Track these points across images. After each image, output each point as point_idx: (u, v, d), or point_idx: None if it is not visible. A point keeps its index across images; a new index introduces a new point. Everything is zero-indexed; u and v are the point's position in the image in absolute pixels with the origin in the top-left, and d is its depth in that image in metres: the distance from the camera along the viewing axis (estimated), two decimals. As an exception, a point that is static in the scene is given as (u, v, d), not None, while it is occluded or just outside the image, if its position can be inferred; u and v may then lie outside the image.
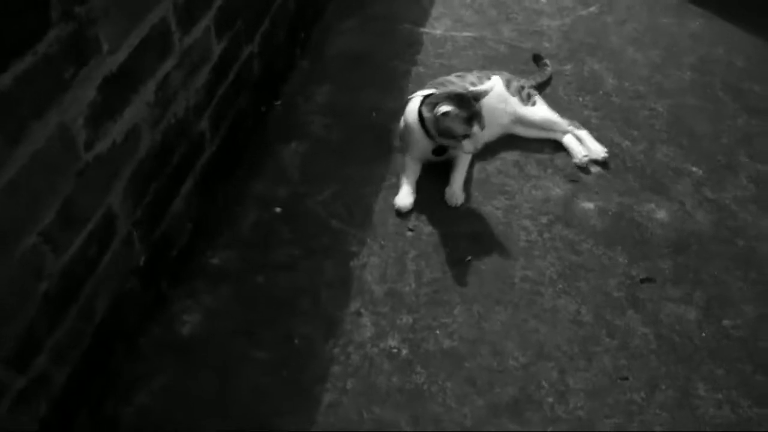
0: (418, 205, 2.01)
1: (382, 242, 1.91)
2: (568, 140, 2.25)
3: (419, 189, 2.05)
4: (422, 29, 2.81)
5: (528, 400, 1.56)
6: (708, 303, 1.82)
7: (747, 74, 2.73)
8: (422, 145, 2.05)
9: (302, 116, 2.30)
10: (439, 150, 2.04)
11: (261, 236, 1.88)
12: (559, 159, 2.23)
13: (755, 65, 2.79)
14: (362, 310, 1.73)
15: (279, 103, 2.32)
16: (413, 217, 1.99)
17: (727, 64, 2.80)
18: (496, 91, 2.21)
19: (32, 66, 1.02)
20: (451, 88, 2.10)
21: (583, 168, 2.19)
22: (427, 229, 1.96)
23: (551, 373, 1.62)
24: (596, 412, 1.55)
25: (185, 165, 1.66)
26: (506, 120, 2.24)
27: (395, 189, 2.04)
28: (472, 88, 2.01)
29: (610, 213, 2.05)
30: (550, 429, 1.51)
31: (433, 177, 2.08)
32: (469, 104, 1.88)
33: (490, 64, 2.58)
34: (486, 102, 2.12)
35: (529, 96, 2.29)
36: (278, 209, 1.96)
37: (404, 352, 1.64)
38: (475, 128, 1.87)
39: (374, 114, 2.34)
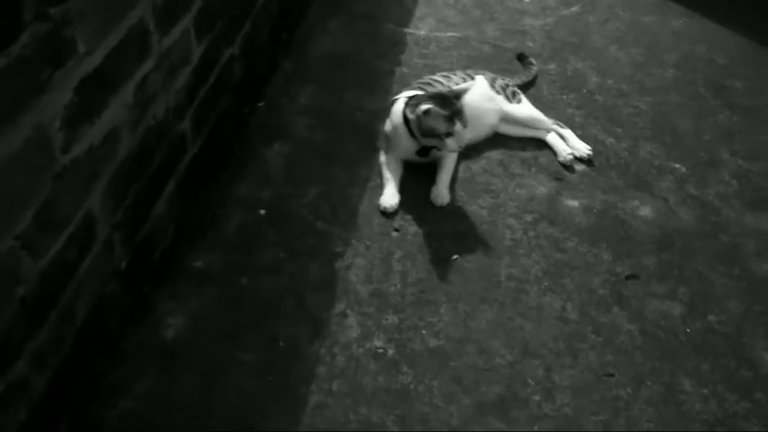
0: (404, 205, 2.01)
1: (368, 243, 1.90)
2: (552, 138, 2.26)
3: (404, 189, 2.05)
4: (406, 30, 2.81)
5: (514, 398, 1.56)
6: (692, 299, 1.82)
7: (729, 71, 2.76)
8: (407, 145, 2.04)
9: (286, 117, 2.29)
10: (423, 151, 2.04)
11: (245, 238, 1.87)
12: (543, 157, 2.23)
13: (737, 62, 2.82)
14: (348, 311, 1.72)
15: (262, 104, 2.31)
16: (398, 217, 1.99)
17: (709, 61, 2.82)
18: (481, 90, 2.23)
19: (6, 67, 1.01)
20: (434, 89, 2.11)
21: (568, 166, 2.20)
22: (413, 229, 1.95)
23: (537, 370, 1.62)
24: (582, 409, 1.55)
25: (166, 167, 1.64)
26: (493, 119, 2.25)
27: (380, 190, 2.04)
28: (452, 87, 2.01)
29: (594, 210, 2.06)
30: (536, 427, 1.51)
31: (419, 177, 2.08)
32: (450, 103, 1.88)
33: (474, 64, 2.59)
34: (473, 102, 2.13)
35: (514, 94, 2.30)
36: (262, 211, 1.95)
37: (390, 352, 1.64)
38: (457, 126, 1.87)
39: (358, 114, 2.34)
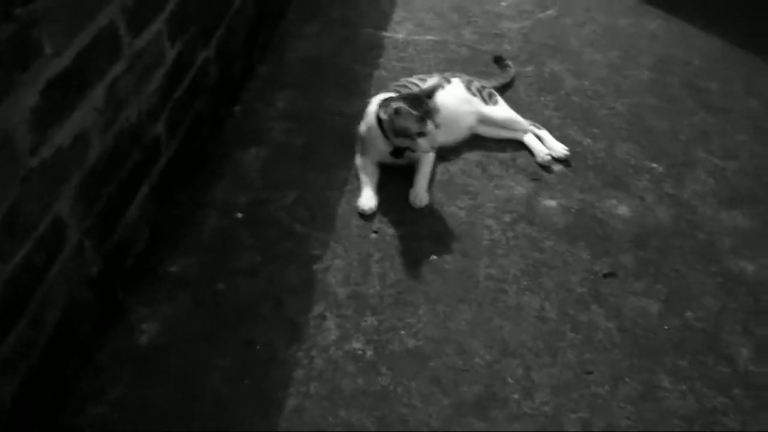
0: (382, 207, 2.01)
1: (346, 245, 1.89)
2: (530, 140, 2.27)
3: (383, 192, 2.04)
4: (384, 33, 2.82)
5: (493, 397, 1.55)
6: (669, 296, 1.83)
7: (704, 73, 2.79)
8: (381, 147, 2.04)
9: (262, 122, 2.28)
10: (397, 152, 2.03)
11: (221, 243, 1.85)
12: (521, 158, 2.24)
13: (712, 64, 2.85)
14: (326, 314, 1.70)
15: (238, 108, 2.30)
16: (377, 219, 1.98)
17: (684, 63, 2.85)
18: (458, 93, 2.24)
19: (-31, 68, 0.99)
20: (408, 91, 2.11)
21: (545, 167, 2.20)
22: (391, 230, 1.95)
23: (516, 369, 1.62)
24: (562, 407, 1.55)
25: (140, 171, 1.62)
26: (471, 121, 2.25)
27: (358, 192, 2.03)
28: (423, 86, 2.01)
29: (572, 210, 2.06)
30: (516, 426, 1.50)
31: (397, 179, 2.07)
32: (422, 103, 1.89)
33: (451, 67, 2.59)
34: (450, 105, 2.14)
35: (490, 96, 2.30)
36: (239, 215, 1.93)
37: (369, 353, 1.62)
38: (429, 126, 1.87)
39: (336, 118, 2.33)
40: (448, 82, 2.25)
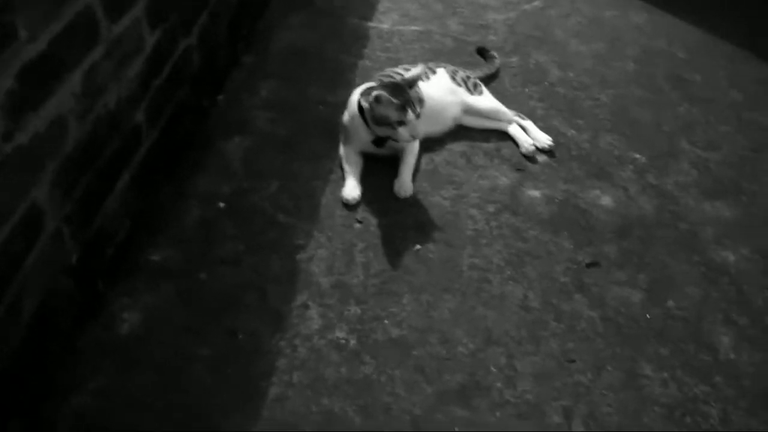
0: (367, 197, 2.00)
1: (330, 235, 1.88)
2: (514, 130, 2.27)
3: (367, 182, 2.03)
4: (369, 23, 2.80)
5: (476, 386, 1.56)
6: (652, 285, 1.84)
7: (688, 65, 2.80)
8: (362, 135, 2.03)
9: (246, 111, 2.26)
10: (379, 141, 2.02)
11: (204, 232, 1.84)
12: (505, 149, 2.24)
13: (696, 56, 2.87)
14: (309, 303, 1.70)
15: (222, 97, 2.28)
16: (361, 209, 1.97)
17: (669, 55, 2.86)
18: (443, 83, 2.23)
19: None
20: (385, 76, 2.09)
21: (530, 157, 2.21)
22: (375, 220, 1.94)
23: (499, 358, 1.62)
24: (544, 395, 1.55)
25: (120, 159, 1.60)
26: (456, 111, 2.25)
27: (343, 182, 2.02)
28: (406, 75, 2.00)
29: (555, 200, 2.07)
30: (498, 414, 1.51)
31: (381, 169, 2.06)
32: (402, 91, 1.88)
33: (436, 58, 2.58)
34: (435, 95, 2.13)
35: (475, 86, 2.30)
36: (222, 204, 1.92)
37: (352, 342, 1.62)
38: (410, 115, 1.86)
39: (321, 108, 2.32)
40: (433, 72, 2.25)
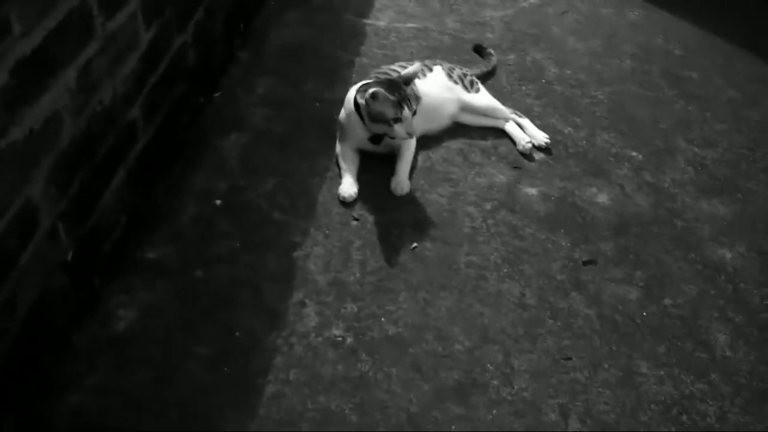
0: (363, 194, 1.99)
1: (327, 232, 1.88)
2: (511, 128, 2.26)
3: (364, 179, 2.03)
4: (366, 21, 2.79)
5: (473, 383, 1.55)
6: (648, 283, 1.84)
7: (685, 62, 2.80)
8: (359, 133, 2.03)
9: (243, 108, 2.25)
10: (375, 138, 2.02)
11: (200, 230, 1.83)
12: (502, 146, 2.24)
13: (693, 53, 2.86)
14: (306, 301, 1.69)
15: (218, 94, 2.27)
16: (358, 206, 1.97)
17: (665, 52, 2.86)
18: (440, 81, 2.23)
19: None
20: (382, 74, 2.09)
21: (526, 155, 2.20)
22: (372, 218, 1.94)
23: (496, 356, 1.62)
24: (541, 392, 1.55)
25: (115, 155, 1.60)
26: (452, 108, 2.24)
27: (339, 180, 2.01)
28: (402, 72, 1.99)
29: (552, 198, 2.06)
30: (494, 412, 1.50)
31: (378, 167, 2.06)
32: (398, 88, 1.87)
33: (433, 55, 2.57)
34: (432, 93, 2.13)
35: (472, 83, 2.29)
36: (218, 202, 1.91)
37: (349, 340, 1.62)
38: (406, 112, 1.86)
39: (317, 105, 2.31)
40: (430, 69, 2.24)
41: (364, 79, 2.16)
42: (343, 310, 1.68)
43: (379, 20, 2.81)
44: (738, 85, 2.70)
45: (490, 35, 2.80)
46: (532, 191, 2.08)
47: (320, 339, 1.61)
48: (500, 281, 1.80)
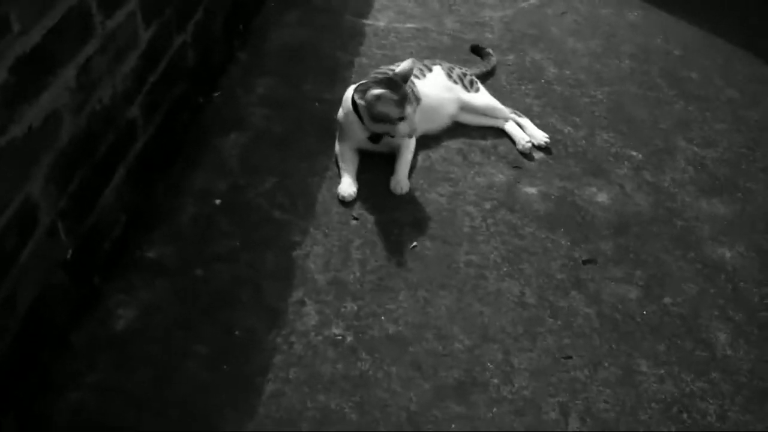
0: (363, 193, 1.99)
1: (326, 231, 1.88)
2: (511, 127, 2.26)
3: (364, 178, 2.03)
4: (365, 21, 2.79)
5: (473, 382, 1.55)
6: (648, 282, 1.84)
7: (684, 62, 2.80)
8: (358, 132, 2.03)
9: (242, 108, 2.25)
10: (375, 137, 2.02)
11: (200, 229, 1.83)
12: (502, 146, 2.24)
13: (692, 53, 2.87)
14: (306, 299, 1.69)
15: (218, 94, 2.27)
16: (357, 205, 1.97)
17: (664, 52, 2.86)
18: (439, 81, 2.23)
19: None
20: (381, 74, 2.09)
21: (526, 154, 2.20)
22: (372, 217, 1.94)
23: (496, 354, 1.62)
24: (541, 391, 1.55)
25: (115, 154, 1.60)
26: (452, 108, 2.24)
27: (339, 179, 2.01)
28: (396, 69, 1.99)
29: (552, 197, 2.06)
30: (495, 410, 1.50)
31: (378, 166, 2.06)
32: (398, 86, 1.88)
33: (433, 55, 2.57)
34: (432, 93, 2.13)
35: (471, 83, 2.30)
36: (218, 201, 1.91)
37: (349, 339, 1.62)
38: (408, 110, 1.86)
39: (317, 105, 2.31)
40: (429, 69, 2.24)
41: (363, 79, 2.16)
42: (342, 309, 1.68)
43: (378, 21, 2.81)
44: (738, 84, 2.70)
45: (490, 35, 2.81)
46: (532, 190, 2.08)
47: (320, 338, 1.61)
48: (500, 280, 1.80)
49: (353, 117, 2.00)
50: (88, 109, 1.42)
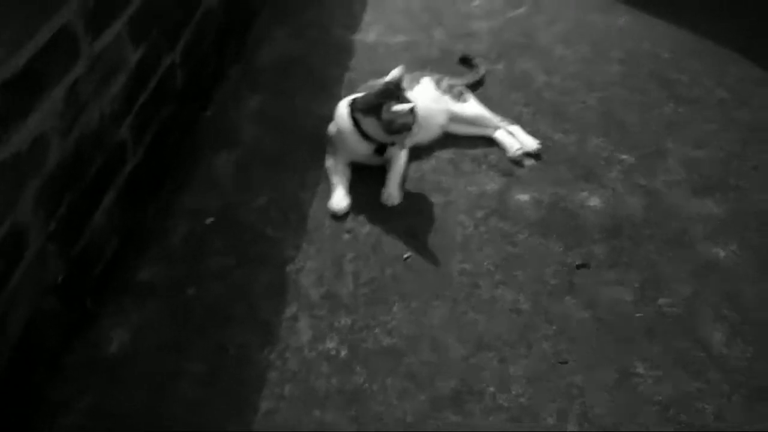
0: (355, 207, 2.00)
1: (319, 246, 1.88)
2: (501, 135, 2.27)
3: (355, 192, 2.04)
4: (354, 35, 2.82)
5: (469, 391, 1.55)
6: (643, 284, 1.84)
7: (673, 65, 2.81)
8: (358, 147, 2.04)
9: (233, 125, 2.26)
10: (381, 149, 2.03)
11: (192, 248, 1.84)
12: (492, 155, 2.24)
13: (680, 56, 2.87)
14: (299, 315, 1.69)
15: (209, 112, 2.28)
16: (350, 219, 1.97)
17: (653, 56, 2.87)
18: (428, 92, 2.24)
19: None
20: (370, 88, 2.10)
21: (517, 161, 2.21)
22: (364, 230, 1.94)
23: (492, 362, 1.61)
24: (538, 397, 1.54)
25: (105, 176, 1.61)
26: (442, 119, 2.25)
27: (331, 193, 2.02)
28: (387, 78, 2.01)
29: (544, 203, 2.07)
30: (492, 418, 1.50)
31: (369, 179, 2.07)
32: (401, 95, 1.91)
33: (422, 68, 2.58)
34: (421, 104, 2.12)
35: (460, 93, 2.31)
36: (210, 219, 1.92)
37: (343, 353, 1.61)
38: (416, 111, 1.90)
39: (308, 120, 2.32)
40: (418, 82, 2.26)
41: (353, 93, 2.17)
42: (336, 323, 1.68)
43: (367, 35, 2.84)
44: (728, 86, 2.70)
45: (479, 46, 2.82)
46: (524, 197, 2.08)
47: (314, 353, 1.61)
48: (494, 288, 1.80)
49: (350, 131, 2.01)
50: (76, 132, 1.43)
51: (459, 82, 2.39)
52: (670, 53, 2.89)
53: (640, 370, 1.62)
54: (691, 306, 1.79)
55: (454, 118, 2.27)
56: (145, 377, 1.53)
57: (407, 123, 1.91)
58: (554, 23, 3.05)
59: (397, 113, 1.88)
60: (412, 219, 1.98)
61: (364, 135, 2.00)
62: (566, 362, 1.62)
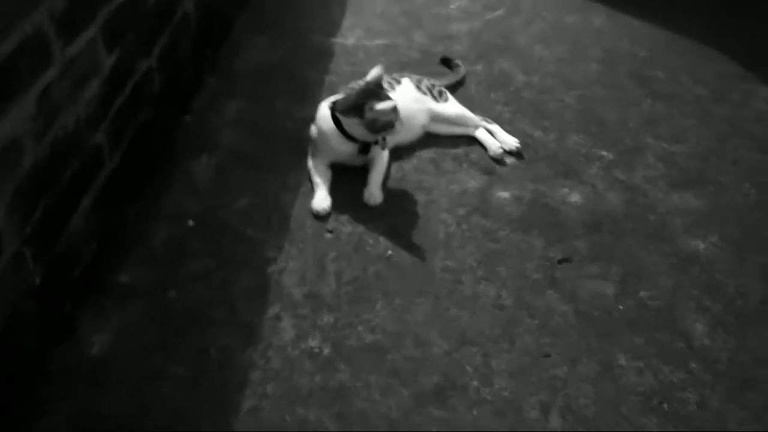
0: (337, 207, 2.00)
1: (301, 246, 1.88)
2: (482, 134, 2.29)
3: (337, 192, 2.04)
4: (334, 40, 2.83)
5: (452, 386, 1.55)
6: (624, 277, 1.85)
7: (651, 63, 2.84)
8: (341, 148, 2.04)
9: (213, 129, 2.26)
10: (365, 148, 2.04)
11: (173, 251, 1.82)
12: (473, 153, 2.25)
13: (658, 54, 2.91)
14: (282, 315, 1.69)
15: (189, 117, 2.28)
16: (332, 219, 1.97)
17: (631, 54, 2.91)
18: (408, 93, 2.25)
19: None
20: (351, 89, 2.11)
21: (498, 160, 2.22)
22: (347, 229, 1.94)
23: (475, 357, 1.61)
24: (521, 390, 1.55)
25: (81, 180, 1.59)
26: (424, 119, 2.26)
27: (312, 194, 2.02)
28: (367, 78, 2.02)
29: (525, 200, 2.08)
30: (475, 412, 1.50)
31: (351, 179, 2.07)
32: (381, 93, 1.93)
33: (402, 70, 2.59)
34: (402, 105, 2.14)
35: (440, 93, 2.32)
36: (191, 222, 1.91)
37: (326, 351, 1.61)
38: (398, 108, 1.92)
39: (288, 123, 2.32)
40: (398, 82, 2.27)
41: (333, 95, 2.18)
42: (319, 322, 1.68)
43: (347, 39, 2.85)
44: (705, 81, 2.74)
45: (458, 47, 2.84)
46: (505, 195, 2.09)
47: (297, 351, 1.60)
48: (476, 284, 1.80)
49: (333, 133, 2.01)
50: (51, 136, 1.42)
51: (439, 82, 2.40)
52: (647, 51, 2.92)
53: (623, 362, 1.63)
54: (673, 298, 1.80)
55: (435, 117, 2.28)
56: (127, 380, 1.51)
57: (390, 121, 1.92)
58: (532, 24, 3.08)
59: (380, 112, 1.89)
60: (395, 218, 1.99)
61: (347, 135, 2.01)
62: (549, 356, 1.62)
